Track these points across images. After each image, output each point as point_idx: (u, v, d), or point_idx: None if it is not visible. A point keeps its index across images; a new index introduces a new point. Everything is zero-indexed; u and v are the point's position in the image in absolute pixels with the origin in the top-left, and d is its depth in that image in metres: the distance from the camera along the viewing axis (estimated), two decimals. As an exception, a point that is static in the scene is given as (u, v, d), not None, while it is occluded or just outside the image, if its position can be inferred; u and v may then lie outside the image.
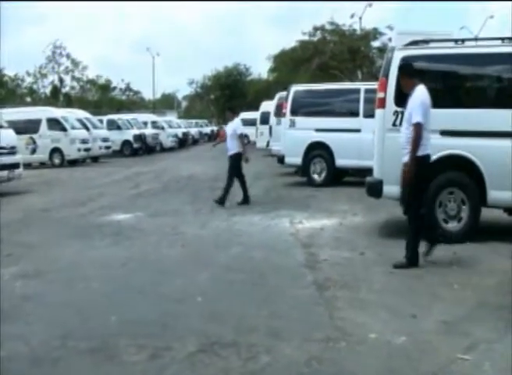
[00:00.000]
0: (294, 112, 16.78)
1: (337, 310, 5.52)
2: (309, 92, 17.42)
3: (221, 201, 12.36)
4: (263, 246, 8.38)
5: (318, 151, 16.31)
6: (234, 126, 12.98)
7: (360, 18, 44.45)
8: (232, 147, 12.82)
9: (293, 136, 16.70)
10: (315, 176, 16.44)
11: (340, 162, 15.97)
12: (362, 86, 16.06)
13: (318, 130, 16.28)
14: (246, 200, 12.77)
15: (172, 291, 6.26)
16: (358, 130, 15.25)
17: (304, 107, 16.91)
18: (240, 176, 12.91)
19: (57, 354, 4.64)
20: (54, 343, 4.86)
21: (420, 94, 7.01)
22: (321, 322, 5.22)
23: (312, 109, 16.87)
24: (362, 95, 15.61)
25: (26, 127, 24.77)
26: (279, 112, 21.10)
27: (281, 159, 17.72)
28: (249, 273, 6.95)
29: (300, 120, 16.62)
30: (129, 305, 5.84)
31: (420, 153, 6.92)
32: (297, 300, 5.87)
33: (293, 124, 16.72)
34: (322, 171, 16.37)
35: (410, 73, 7.28)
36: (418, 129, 6.88)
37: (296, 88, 17.38)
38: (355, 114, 15.60)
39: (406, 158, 6.98)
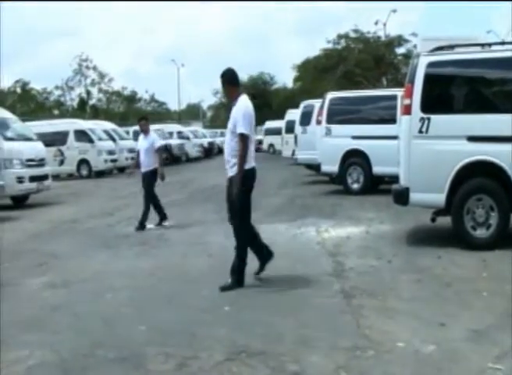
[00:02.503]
0: (330, 120, 16.55)
1: (364, 318, 5.48)
2: (345, 99, 17.20)
3: (141, 226, 11.37)
4: (289, 255, 8.36)
5: (354, 158, 16.13)
6: (151, 140, 11.74)
7: (385, 25, 44.40)
8: (149, 163, 11.50)
9: (330, 144, 16.46)
10: (352, 184, 16.30)
11: (377, 169, 15.77)
12: (399, 92, 15.49)
13: (354, 138, 16.09)
14: (163, 217, 11.71)
15: (200, 301, 6.28)
16: (395, 137, 14.88)
17: (340, 114, 16.67)
18: (151, 195, 11.67)
19: (86, 362, 4.68)
20: (82, 351, 4.91)
21: (243, 104, 6.69)
22: (349, 330, 5.18)
23: (348, 117, 16.66)
24: (399, 102, 14.98)
25: (54, 139, 25.11)
26: (304, 120, 21.09)
27: (317, 167, 17.60)
28: (276, 282, 6.94)
29: (336, 128, 16.41)
30: (157, 315, 5.86)
31: (247, 166, 6.64)
32: (324, 308, 5.85)
33: (329, 132, 16.51)
34: (359, 179, 16.20)
35: (232, 81, 6.89)
36: (245, 140, 6.54)
37: (332, 96, 17.19)
38: (392, 121, 15.24)
39: (231, 172, 6.73)
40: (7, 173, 14.77)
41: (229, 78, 6.89)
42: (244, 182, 6.62)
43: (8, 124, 16.93)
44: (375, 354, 4.58)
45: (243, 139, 6.54)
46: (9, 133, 16.44)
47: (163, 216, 11.69)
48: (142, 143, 11.78)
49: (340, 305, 5.96)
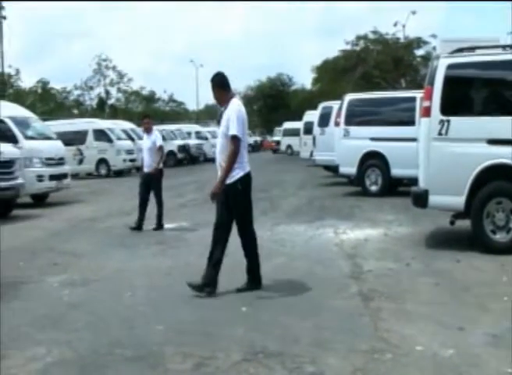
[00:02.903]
0: (349, 122, 16.49)
1: (382, 321, 5.46)
2: (363, 101, 17.13)
3: (159, 226, 11.31)
4: (307, 256, 8.36)
5: (372, 160, 16.06)
6: (154, 139, 11.49)
7: (404, 26, 44.22)
8: (152, 163, 11.37)
9: (348, 145, 16.41)
10: (370, 186, 16.23)
11: (396, 171, 15.66)
12: (418, 94, 15.31)
13: (373, 140, 16.03)
14: (140, 226, 11.27)
15: (217, 301, 6.29)
16: (414, 139, 14.66)
17: (359, 116, 16.61)
18: (146, 196, 11.43)
19: (103, 361, 4.70)
20: (100, 350, 4.93)
21: (236, 107, 6.48)
22: (366, 333, 5.16)
23: (367, 118, 16.61)
24: (418, 104, 14.90)
25: (73, 139, 25.30)
26: (322, 121, 21.06)
27: (335, 169, 17.57)
28: (294, 283, 6.95)
29: (354, 129, 16.35)
30: (174, 314, 5.88)
31: (243, 171, 6.44)
32: (342, 311, 5.83)
33: (347, 133, 16.45)
34: (377, 181, 16.12)
35: (223, 85, 6.66)
36: (237, 142, 6.32)
37: (350, 97, 17.12)
38: (411, 123, 15.16)
39: (233, 179, 6.45)
40: (27, 172, 14.88)
41: (219, 82, 6.67)
42: (243, 188, 6.48)
43: (28, 123, 17.12)
44: (392, 357, 4.56)
45: (236, 141, 6.32)
46: (30, 132, 16.61)
47: (141, 223, 11.25)
48: (145, 142, 11.67)
49: (358, 307, 5.94)
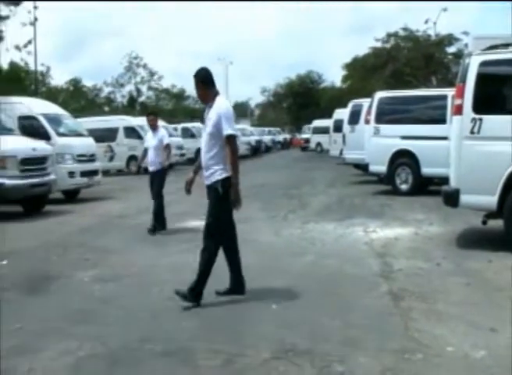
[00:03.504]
0: (379, 120, 16.38)
1: (413, 321, 5.42)
2: (394, 99, 16.94)
3: (162, 226, 10.85)
4: (337, 254, 8.33)
5: (403, 159, 15.91)
6: (160, 136, 11.09)
7: (435, 23, 43.74)
8: (158, 161, 11.03)
9: (378, 143, 16.30)
10: (400, 185, 16.09)
11: (426, 170, 15.48)
12: (449, 92, 15.11)
13: (403, 138, 15.87)
14: (160, 226, 10.84)
15: (246, 298, 6.29)
16: (445, 138, 14.41)
17: (389, 114, 16.45)
18: (159, 195, 11.13)
19: (134, 356, 4.76)
20: (131, 345, 4.99)
21: (223, 104, 6.09)
22: (397, 332, 5.13)
23: (397, 116, 16.40)
24: (449, 101, 14.72)
25: (104, 136, 25.51)
26: (352, 119, 20.98)
27: (365, 167, 17.49)
28: (323, 281, 6.92)
29: (384, 128, 16.22)
30: (203, 310, 5.91)
31: (227, 174, 6.03)
32: (372, 310, 5.80)
33: (377, 132, 16.32)
34: (407, 179, 15.97)
35: (207, 81, 6.23)
36: (234, 141, 5.99)
37: (381, 95, 17.02)
38: (442, 121, 14.97)
39: (209, 181, 6.10)
40: (59, 168, 15.08)
41: (203, 78, 6.24)
42: (225, 191, 6.02)
43: (60, 120, 17.32)
44: (423, 357, 4.53)
45: (233, 141, 5.98)
46: (62, 129, 16.81)
47: (160, 225, 10.80)
48: (150, 140, 11.19)
49: (388, 306, 5.91)
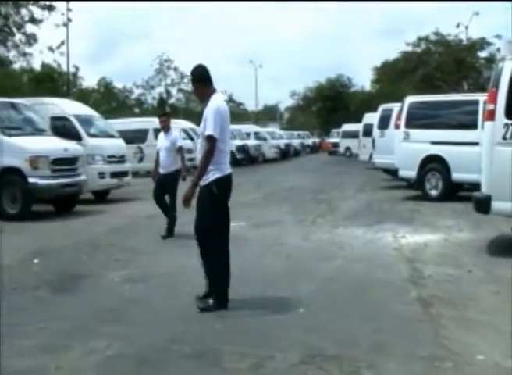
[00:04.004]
0: (409, 124, 16.25)
1: (443, 328, 5.37)
2: (424, 103, 16.75)
3: (170, 233, 10.50)
4: (366, 259, 8.28)
5: (433, 164, 15.76)
6: (173, 138, 10.84)
7: (467, 27, 43.33)
8: (170, 164, 10.73)
9: (408, 148, 16.17)
10: (430, 191, 15.94)
11: (457, 176, 15.31)
12: (481, 97, 14.97)
13: (433, 143, 15.72)
14: (171, 231, 10.54)
15: (275, 301, 6.30)
16: (476, 143, 13.81)
17: (420, 119, 16.30)
18: (164, 201, 10.88)
19: (162, 356, 4.78)
20: (159, 345, 5.01)
21: (215, 103, 5.94)
22: (426, 339, 5.08)
23: (428, 121, 16.22)
24: (481, 107, 14.51)
25: (134, 137, 25.62)
26: (382, 124, 20.87)
27: (394, 172, 17.36)
28: (352, 286, 6.89)
29: (415, 132, 16.09)
30: (232, 313, 5.91)
31: (220, 173, 5.92)
32: (401, 315, 5.76)
33: (407, 136, 16.21)
34: (437, 185, 15.80)
35: (203, 79, 6.14)
36: (212, 142, 5.80)
37: (411, 99, 16.88)
38: (473, 126, 14.77)
39: (208, 180, 5.94)
40: (90, 169, 15.23)
41: (199, 76, 6.16)
42: (219, 192, 5.95)
43: (91, 121, 17.52)
44: (453, 365, 4.47)
45: (211, 141, 5.81)
46: (93, 130, 17.00)
47: (170, 233, 10.49)
48: (162, 142, 10.87)
49: (418, 313, 5.86)
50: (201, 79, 6.15)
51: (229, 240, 6.24)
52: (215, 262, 6.10)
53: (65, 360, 4.69)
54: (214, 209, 5.99)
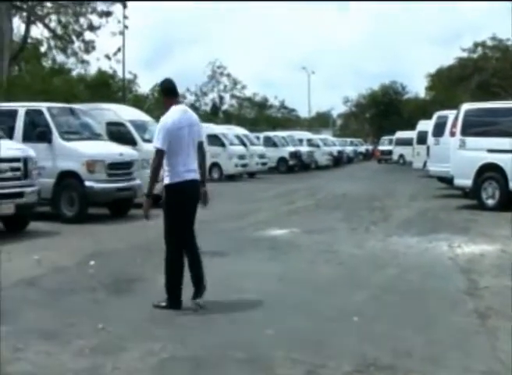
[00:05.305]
0: (465, 132, 15.85)
1: (500, 342, 5.24)
2: (481, 111, 16.32)
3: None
4: (420, 269, 8.17)
5: (490, 173, 15.39)
6: None
7: (525, 31, 42.41)
8: None
9: (464, 157, 15.78)
10: (487, 200, 15.55)
11: None
12: None
13: (490, 151, 15.34)
14: None
15: (328, 309, 6.27)
16: None
17: (476, 126, 15.87)
18: None
19: (215, 360, 4.82)
20: (212, 349, 5.05)
21: (164, 117, 6.21)
22: (482, 353, 4.98)
23: (484, 129, 15.82)
24: None
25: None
26: (437, 131, 20.58)
27: (449, 181, 17.09)
28: (406, 295, 6.81)
29: (471, 140, 15.70)
30: (284, 320, 5.91)
31: (171, 180, 6.25)
32: (457, 327, 5.66)
33: (463, 144, 15.82)
34: (494, 194, 15.40)
35: (166, 91, 6.56)
36: (156, 154, 6.13)
37: (467, 107, 16.49)
38: None
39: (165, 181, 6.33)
40: (144, 173, 15.42)
41: (164, 88, 6.61)
42: (172, 198, 6.36)
43: (146, 127, 17.75)
44: (510, 380, 4.38)
45: (155, 153, 6.15)
46: (147, 136, 17.16)
47: None
48: None
49: (474, 324, 5.75)
50: (165, 91, 6.56)
51: (192, 243, 6.71)
52: (169, 263, 6.38)
53: (122, 361, 4.76)
54: (167, 213, 6.48)
